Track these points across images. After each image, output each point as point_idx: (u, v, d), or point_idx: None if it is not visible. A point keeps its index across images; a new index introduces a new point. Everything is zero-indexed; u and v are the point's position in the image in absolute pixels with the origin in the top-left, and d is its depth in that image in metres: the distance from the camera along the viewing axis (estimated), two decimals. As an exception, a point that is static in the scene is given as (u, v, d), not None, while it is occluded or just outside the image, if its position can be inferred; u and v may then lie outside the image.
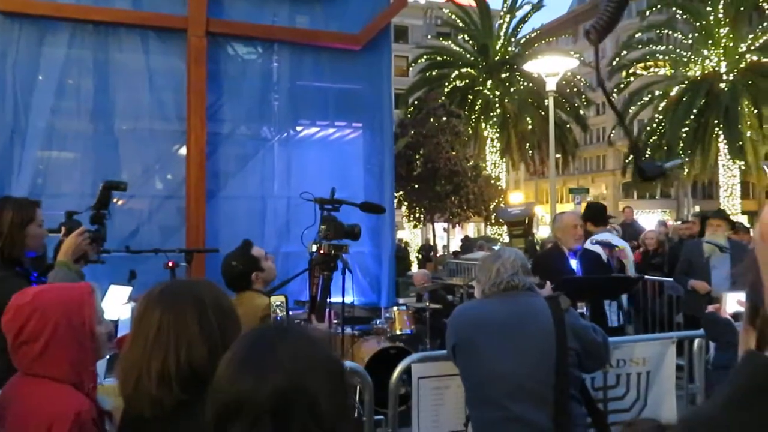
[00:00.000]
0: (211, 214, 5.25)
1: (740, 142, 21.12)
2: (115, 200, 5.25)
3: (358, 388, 3.20)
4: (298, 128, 5.95)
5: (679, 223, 11.24)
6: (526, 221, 10.30)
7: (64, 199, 4.71)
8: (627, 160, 24.76)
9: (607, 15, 0.71)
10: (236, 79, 5.58)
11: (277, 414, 1.05)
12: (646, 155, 20.87)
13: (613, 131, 27.35)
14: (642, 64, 24.00)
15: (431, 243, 21.88)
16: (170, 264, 3.52)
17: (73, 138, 5.28)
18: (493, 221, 20.93)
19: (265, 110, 5.75)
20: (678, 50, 23.79)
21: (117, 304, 3.16)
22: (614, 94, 24.14)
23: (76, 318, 1.63)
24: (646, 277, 6.70)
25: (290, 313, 2.64)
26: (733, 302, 2.28)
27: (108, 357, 2.71)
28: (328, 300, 3.24)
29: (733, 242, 5.73)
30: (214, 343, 1.48)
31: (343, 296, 3.51)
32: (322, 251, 3.17)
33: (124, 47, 5.25)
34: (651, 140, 23.20)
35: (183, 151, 5.32)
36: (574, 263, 4.25)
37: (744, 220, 18.33)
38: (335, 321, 4.30)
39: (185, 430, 1.44)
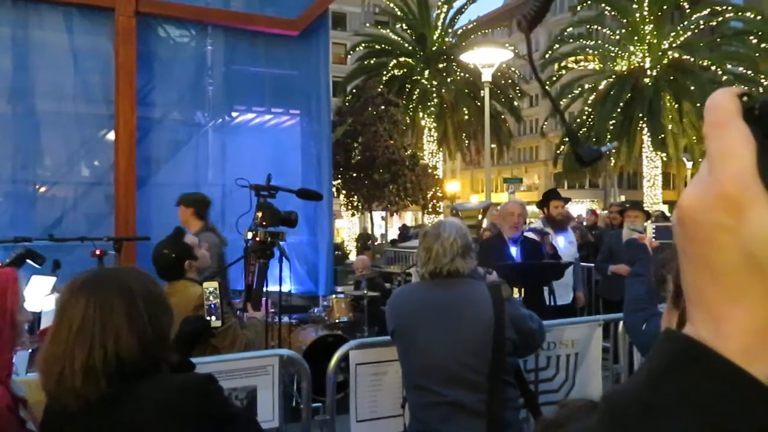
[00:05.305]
0: (141, 201, 5.06)
1: (662, 135, 22.21)
2: (36, 186, 4.99)
3: (295, 376, 3.18)
4: (234, 114, 5.81)
5: (606, 212, 11.74)
6: (481, 213, 10.49)
7: (-21, 185, 4.44)
8: (558, 151, 25.57)
9: (537, 5, 0.73)
10: (168, 61, 5.38)
11: None
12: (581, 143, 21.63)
13: (546, 123, 28.16)
14: (573, 58, 24.77)
15: (369, 231, 21.94)
16: (98, 252, 3.37)
17: (-11, 120, 4.97)
18: (429, 210, 21.19)
19: (199, 95, 5.58)
20: (606, 45, 24.70)
21: (40, 296, 3.01)
22: (547, 86, 24.85)
23: None
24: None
25: (230, 301, 2.58)
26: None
27: (30, 350, 2.59)
28: (264, 288, 3.19)
29: (659, 227, 6.04)
30: (143, 333, 1.42)
31: (281, 285, 3.47)
32: (257, 239, 3.12)
33: (45, 24, 4.96)
34: (581, 132, 24.02)
35: (111, 135, 5.09)
36: (514, 250, 4.36)
37: (665, 209, 19.33)
38: (272, 310, 4.26)
39: (112, 424, 1.38)
